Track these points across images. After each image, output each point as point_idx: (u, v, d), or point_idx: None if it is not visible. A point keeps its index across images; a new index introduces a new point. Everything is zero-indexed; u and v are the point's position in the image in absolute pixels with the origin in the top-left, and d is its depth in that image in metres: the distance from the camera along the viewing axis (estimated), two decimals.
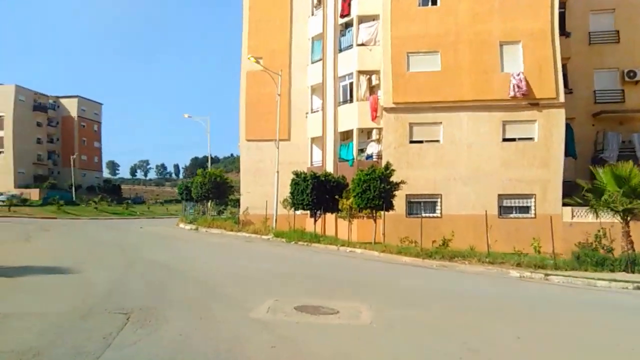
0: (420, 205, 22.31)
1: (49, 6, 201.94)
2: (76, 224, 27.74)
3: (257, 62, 25.42)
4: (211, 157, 76.71)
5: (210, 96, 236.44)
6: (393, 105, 22.62)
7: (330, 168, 26.56)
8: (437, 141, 22.37)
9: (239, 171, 31.22)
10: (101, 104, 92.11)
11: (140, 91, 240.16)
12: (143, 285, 9.26)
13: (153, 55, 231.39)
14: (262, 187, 29.83)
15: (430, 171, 22.02)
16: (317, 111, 29.65)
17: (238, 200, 32.18)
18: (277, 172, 25.59)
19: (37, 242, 15.15)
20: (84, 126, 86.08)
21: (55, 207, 37.89)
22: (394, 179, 19.41)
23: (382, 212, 19.57)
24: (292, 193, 22.03)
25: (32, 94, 78.24)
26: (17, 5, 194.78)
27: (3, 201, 54.54)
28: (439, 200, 22.08)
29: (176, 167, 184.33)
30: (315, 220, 22.27)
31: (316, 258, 16.07)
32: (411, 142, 22.40)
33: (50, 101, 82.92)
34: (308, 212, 25.87)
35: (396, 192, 18.95)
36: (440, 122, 22.30)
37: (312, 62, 30.02)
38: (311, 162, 28.87)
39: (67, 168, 75.39)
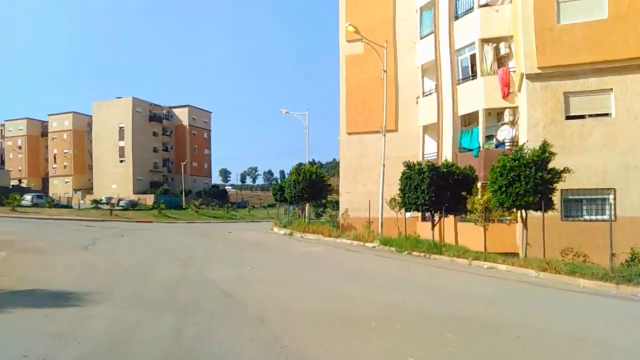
0: (582, 204, 16.18)
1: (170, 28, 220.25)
2: (164, 228, 26.05)
3: (356, 32, 21.24)
4: (312, 162, 74.66)
5: (318, 104, 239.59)
6: (538, 72, 16.77)
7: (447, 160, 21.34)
8: (607, 115, 16.07)
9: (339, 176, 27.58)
10: (210, 112, 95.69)
11: (249, 99, 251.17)
12: (165, 340, 5.42)
13: (257, 62, 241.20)
14: (365, 186, 25.53)
15: (596, 157, 15.81)
16: (430, 94, 24.66)
17: (337, 202, 28.38)
18: (383, 165, 21.01)
19: (93, 251, 12.51)
20: (194, 134, 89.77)
21: (157, 210, 37.66)
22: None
23: (524, 214, 13.87)
24: (402, 190, 17.17)
25: (147, 105, 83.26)
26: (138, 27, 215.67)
27: (122, 206, 57.66)
28: (610, 196, 15.77)
29: (282, 173, 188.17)
30: (434, 225, 17.24)
31: (453, 280, 11.12)
32: (568, 117, 16.37)
33: (164, 111, 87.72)
34: (419, 214, 20.96)
35: (556, 185, 13.20)
36: (610, 89, 15.95)
37: (422, 37, 25.05)
38: (423, 154, 23.88)
39: (179, 175, 78.62)
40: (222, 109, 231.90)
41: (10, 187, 50.49)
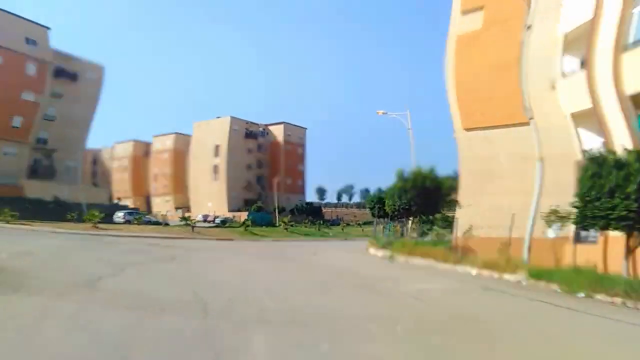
0: None
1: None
2: (241, 246, 22.09)
3: None
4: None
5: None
6: None
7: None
8: None
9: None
10: (305, 128, 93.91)
11: (344, 114, 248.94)
12: None
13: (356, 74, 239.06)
14: (493, 197, 19.24)
15: None
16: (574, 73, 18.11)
17: (447, 218, 22.13)
18: (541, 159, 14.93)
19: (99, 289, 8.38)
20: (289, 150, 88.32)
21: (243, 228, 34.56)
22: None
23: None
24: (581, 196, 10.87)
25: (244, 123, 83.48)
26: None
27: (215, 224, 56.47)
28: None
29: (379, 190, 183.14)
30: (631, 251, 10.72)
31: None
32: None
33: (260, 129, 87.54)
34: (569, 233, 14.50)
35: None
36: None
37: None
38: (582, 149, 17.21)
39: (273, 191, 77.04)
40: (318, 126, 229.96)
41: (109, 204, 51.57)
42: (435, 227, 23.57)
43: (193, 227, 29.10)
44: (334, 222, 71.42)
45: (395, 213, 18.98)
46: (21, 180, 44.87)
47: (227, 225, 51.63)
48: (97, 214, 26.87)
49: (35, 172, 48.72)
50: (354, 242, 35.50)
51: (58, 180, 48.59)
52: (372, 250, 20.82)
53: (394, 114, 24.41)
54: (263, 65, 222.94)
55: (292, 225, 42.72)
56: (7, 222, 25.58)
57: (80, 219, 33.45)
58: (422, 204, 17.50)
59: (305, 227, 47.21)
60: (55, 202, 43.31)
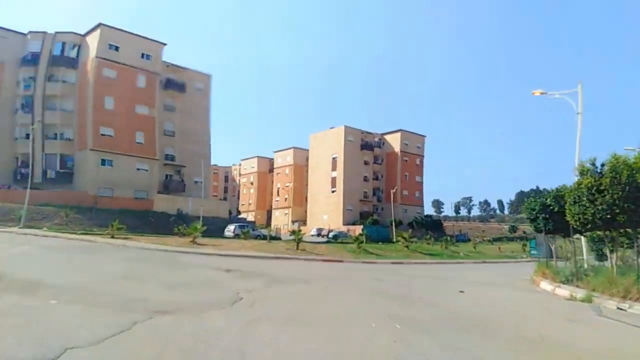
0: None
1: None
2: (351, 274, 16.28)
3: None
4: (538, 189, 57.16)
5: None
6: None
7: None
8: None
9: None
10: (424, 136, 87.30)
11: (463, 121, 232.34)
12: None
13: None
14: None
15: None
16: None
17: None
18: None
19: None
20: (406, 160, 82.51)
21: (356, 245, 30.16)
22: None
23: None
24: None
25: (359, 133, 79.99)
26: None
27: (330, 239, 53.32)
28: None
29: (500, 202, 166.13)
30: None
31: None
32: None
33: (376, 139, 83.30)
34: None
35: None
36: None
37: None
38: None
39: (389, 204, 71.92)
40: (436, 133, 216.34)
41: (226, 218, 51.39)
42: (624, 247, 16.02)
43: (298, 243, 25.61)
44: (460, 238, 63.33)
45: (586, 225, 12.39)
46: (152, 194, 46.66)
47: (339, 240, 47.96)
48: (198, 227, 24.87)
49: (167, 187, 50.70)
50: (496, 266, 28.69)
51: (185, 195, 49.85)
52: (544, 284, 14.53)
53: (557, 94, 18.02)
54: (377, 72, 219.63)
55: (412, 242, 37.18)
56: (112, 237, 24.75)
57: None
58: (633, 210, 10.77)
59: (428, 243, 41.14)
60: (177, 215, 43.98)
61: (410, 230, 40.70)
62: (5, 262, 12.08)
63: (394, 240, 53.65)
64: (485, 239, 66.69)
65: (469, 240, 62.57)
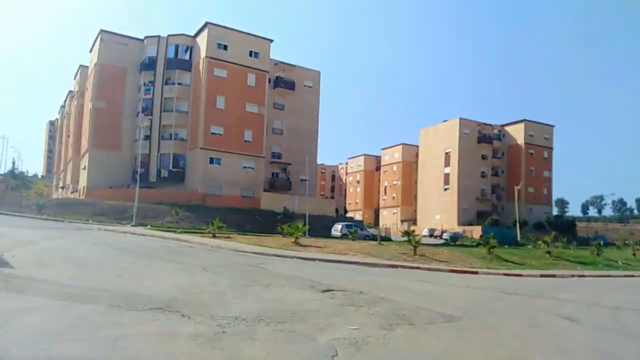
0: None
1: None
2: (502, 303, 10.54)
3: None
4: None
5: None
6: None
7: None
8: None
9: None
10: (552, 126, 75.71)
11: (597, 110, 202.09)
12: None
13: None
14: None
15: None
16: None
17: None
18: None
19: None
20: (531, 154, 72.20)
21: (485, 249, 24.54)
22: None
23: None
24: None
25: (475, 125, 71.85)
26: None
27: (446, 239, 47.58)
28: None
29: (638, 201, 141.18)
30: None
31: None
32: None
33: (495, 131, 74.31)
34: None
35: None
36: None
37: None
38: None
39: (511, 202, 63.04)
40: (567, 123, 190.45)
41: (333, 216, 48.39)
42: None
43: (415, 247, 21.04)
44: (602, 240, 52.29)
45: None
46: (259, 192, 45.53)
47: (457, 242, 42.00)
48: (300, 226, 21.74)
49: (273, 185, 49.53)
50: None
51: (291, 193, 48.14)
52: None
53: None
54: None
55: (555, 247, 30.05)
56: (214, 236, 22.67)
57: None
58: None
59: (570, 249, 33.26)
60: (283, 214, 42.10)
61: (551, 234, 33.22)
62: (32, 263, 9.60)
63: (521, 242, 46.03)
64: (626, 242, 53.94)
65: (613, 244, 51.70)
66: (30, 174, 78.82)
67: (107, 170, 43.41)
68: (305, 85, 53.58)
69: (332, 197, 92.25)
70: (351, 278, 12.29)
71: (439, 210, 69.45)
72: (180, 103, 46.08)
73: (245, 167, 45.57)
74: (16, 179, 58.83)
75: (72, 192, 51.74)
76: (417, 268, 17.28)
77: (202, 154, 43.34)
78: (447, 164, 70.60)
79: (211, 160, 43.92)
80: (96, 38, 46.18)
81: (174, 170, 44.87)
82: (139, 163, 42.89)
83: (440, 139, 72.20)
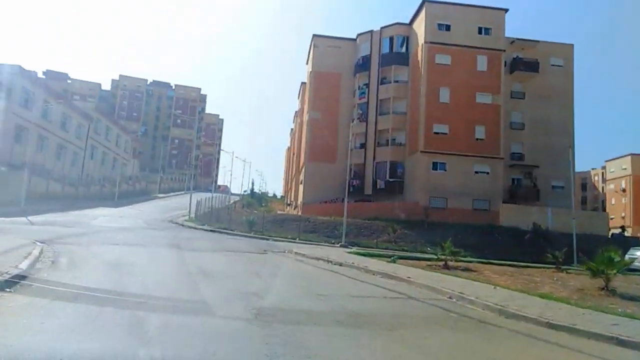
0: None
1: None
2: None
3: None
4: None
5: None
6: None
7: None
8: None
9: None
10: None
11: None
12: None
13: None
14: None
15: None
16: None
17: None
18: None
19: None
20: None
21: None
22: None
23: None
24: None
25: None
26: None
27: None
28: None
29: None
30: None
31: None
32: None
33: None
34: None
35: None
36: None
37: None
38: None
39: None
40: None
41: (609, 236, 33.46)
42: None
43: None
44: None
45: None
46: (497, 204, 34.93)
47: None
48: (614, 257, 10.80)
49: (514, 194, 38.17)
50: None
51: (539, 204, 35.88)
52: None
53: None
54: None
55: None
56: (446, 265, 14.03)
57: (567, 260, 18.96)
58: None
59: None
60: (533, 231, 30.36)
61: None
62: None
63: None
64: None
65: None
66: (270, 194, 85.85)
67: (321, 184, 39.81)
68: (552, 65, 40.27)
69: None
70: None
71: None
72: (397, 103, 39.61)
73: (477, 173, 35.69)
74: (253, 198, 62.58)
75: (294, 208, 51.15)
76: None
77: (424, 159, 35.53)
78: None
79: (434, 166, 35.71)
80: (310, 46, 44.08)
81: (391, 180, 38.26)
82: (351, 174, 37.80)
83: None
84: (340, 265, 14.20)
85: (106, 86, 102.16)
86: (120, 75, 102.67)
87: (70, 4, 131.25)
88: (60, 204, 30.15)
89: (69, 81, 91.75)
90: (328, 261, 14.72)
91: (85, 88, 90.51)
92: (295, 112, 66.70)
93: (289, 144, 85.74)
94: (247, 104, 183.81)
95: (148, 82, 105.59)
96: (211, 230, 26.93)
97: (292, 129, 75.87)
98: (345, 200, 25.53)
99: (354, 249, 20.85)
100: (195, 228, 27.83)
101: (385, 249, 24.64)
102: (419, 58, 36.87)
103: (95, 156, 50.55)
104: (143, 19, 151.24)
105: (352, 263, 14.43)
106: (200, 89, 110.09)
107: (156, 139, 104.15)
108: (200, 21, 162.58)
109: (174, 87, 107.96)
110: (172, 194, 60.45)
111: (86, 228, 19.68)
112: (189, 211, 34.40)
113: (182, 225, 29.26)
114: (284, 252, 16.67)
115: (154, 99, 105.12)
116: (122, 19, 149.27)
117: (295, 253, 16.01)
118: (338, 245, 23.65)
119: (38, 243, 11.47)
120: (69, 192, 38.26)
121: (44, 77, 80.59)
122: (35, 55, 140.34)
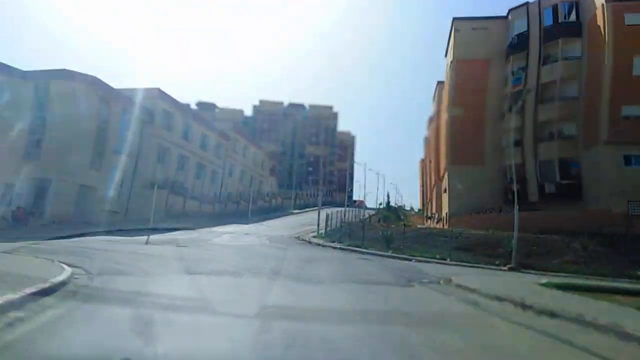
0: None
1: None
2: None
3: None
4: None
5: None
6: None
7: None
8: None
9: None
10: None
11: None
12: None
13: None
14: None
15: None
16: None
17: None
18: None
19: None
20: None
21: None
22: None
23: None
24: None
25: None
26: None
27: None
28: None
29: None
30: None
31: None
32: None
33: None
34: None
35: None
36: None
37: None
38: None
39: None
40: None
41: None
42: None
43: None
44: None
45: None
46: None
47: None
48: None
49: None
50: None
51: None
52: None
53: None
54: None
55: None
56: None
57: None
58: None
59: None
60: None
61: None
62: None
63: None
64: None
65: None
66: (407, 208, 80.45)
67: (469, 191, 32.76)
68: None
69: None
70: None
71: None
72: (565, 86, 31.12)
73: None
74: (390, 211, 57.96)
75: (437, 222, 44.60)
76: None
77: (610, 152, 26.66)
78: None
79: (627, 160, 26.57)
80: (450, 32, 37.94)
81: (564, 182, 29.67)
82: (509, 178, 30.34)
83: None
84: (552, 316, 7.57)
85: (248, 112, 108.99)
86: (260, 101, 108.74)
87: (222, 44, 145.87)
88: (192, 222, 29.44)
89: (216, 110, 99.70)
90: (522, 306, 8.52)
91: (229, 115, 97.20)
92: (430, 117, 60.23)
93: (422, 156, 79.32)
94: (377, 119, 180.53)
95: (284, 105, 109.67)
96: (341, 249, 22.87)
97: (425, 138, 69.50)
98: (516, 208, 18.43)
99: (539, 277, 14.13)
100: (322, 245, 24.09)
101: (575, 273, 17.40)
102: (599, 22, 28.13)
103: (234, 174, 51.43)
104: (281, 49, 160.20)
105: (576, 313, 6.68)
106: (332, 107, 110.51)
107: (293, 157, 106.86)
108: (322, 43, 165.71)
109: (307, 108, 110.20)
110: (307, 209, 59.06)
111: (197, 247, 17.12)
112: (318, 227, 31.10)
113: (309, 242, 25.87)
114: (439, 282, 11.21)
115: (290, 120, 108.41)
116: (263, 51, 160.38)
117: (457, 286, 10.24)
118: (505, 267, 17.20)
119: (68, 272, 7.91)
120: (206, 209, 38.44)
121: (196, 107, 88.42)
122: (189, 89, 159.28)
